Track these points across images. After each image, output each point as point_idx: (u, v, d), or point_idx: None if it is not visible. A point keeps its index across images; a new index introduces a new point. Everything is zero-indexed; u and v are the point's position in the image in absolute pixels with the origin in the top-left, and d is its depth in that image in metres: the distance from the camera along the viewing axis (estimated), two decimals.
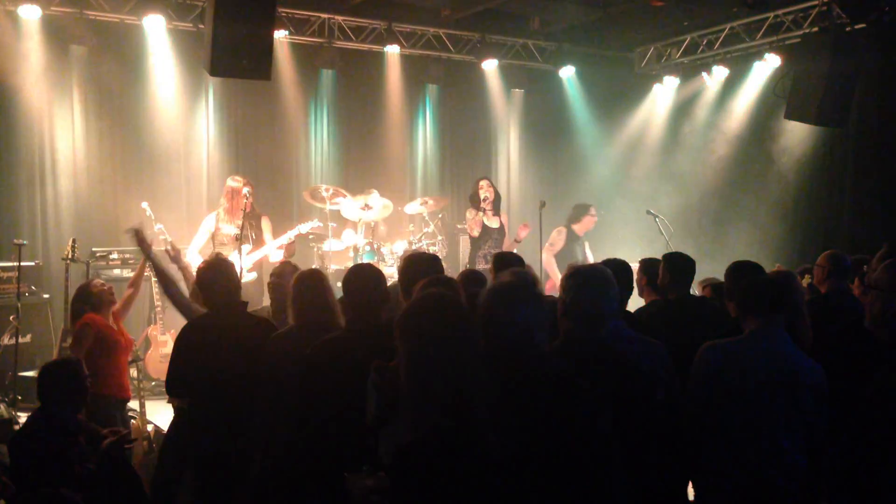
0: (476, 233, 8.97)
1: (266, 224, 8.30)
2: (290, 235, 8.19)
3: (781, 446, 3.55)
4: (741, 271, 4.59)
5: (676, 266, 5.14)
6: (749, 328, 3.72)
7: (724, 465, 3.62)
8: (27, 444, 4.21)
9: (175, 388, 4.68)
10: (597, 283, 3.36)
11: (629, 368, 3.28)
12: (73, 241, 7.50)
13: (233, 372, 4.44)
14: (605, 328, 3.34)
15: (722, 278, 5.00)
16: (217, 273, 4.71)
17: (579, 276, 3.40)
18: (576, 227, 9.22)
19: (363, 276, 4.20)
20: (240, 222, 7.88)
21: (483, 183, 9.11)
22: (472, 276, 5.29)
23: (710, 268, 6.10)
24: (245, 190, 7.92)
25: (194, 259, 7.84)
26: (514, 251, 7.45)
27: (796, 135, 10.04)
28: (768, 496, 3.56)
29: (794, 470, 3.57)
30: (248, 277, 7.88)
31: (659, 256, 5.32)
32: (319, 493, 4.03)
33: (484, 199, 8.98)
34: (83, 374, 4.40)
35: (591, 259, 9.30)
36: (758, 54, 10.34)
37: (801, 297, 4.58)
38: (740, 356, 3.65)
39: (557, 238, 9.09)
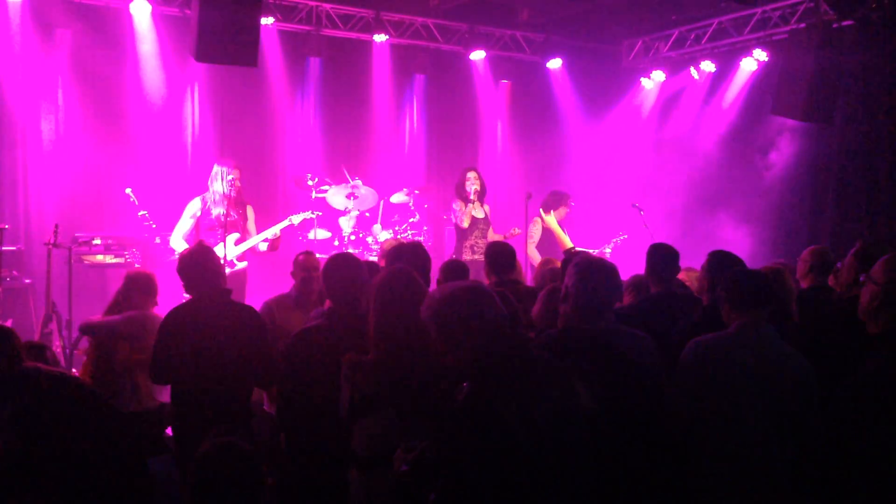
0: (466, 224, 8.92)
1: (250, 212, 8.25)
2: (282, 225, 8.13)
3: (769, 441, 3.56)
4: (723, 263, 4.60)
5: (658, 259, 5.14)
6: (735, 322, 3.71)
7: (711, 460, 3.62)
8: None
9: (159, 374, 4.67)
10: (601, 275, 3.40)
11: (626, 361, 3.30)
12: (56, 226, 7.44)
13: (217, 358, 4.43)
14: (605, 320, 3.38)
15: None
16: (199, 259, 4.69)
17: (583, 266, 3.43)
18: (551, 216, 9.19)
19: (342, 266, 4.19)
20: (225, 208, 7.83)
21: (471, 175, 9.00)
22: (454, 267, 5.30)
23: (695, 263, 6.11)
24: (230, 175, 7.86)
25: (178, 245, 7.79)
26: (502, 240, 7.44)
27: (782, 130, 10.07)
28: (756, 490, 3.56)
29: (781, 464, 3.58)
30: (239, 266, 7.83)
31: (644, 250, 5.30)
32: (305, 485, 4.04)
33: (475, 192, 8.93)
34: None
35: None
36: (745, 49, 10.37)
37: (789, 294, 4.59)
38: (727, 352, 3.63)
39: (534, 230, 9.18)
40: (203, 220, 7.93)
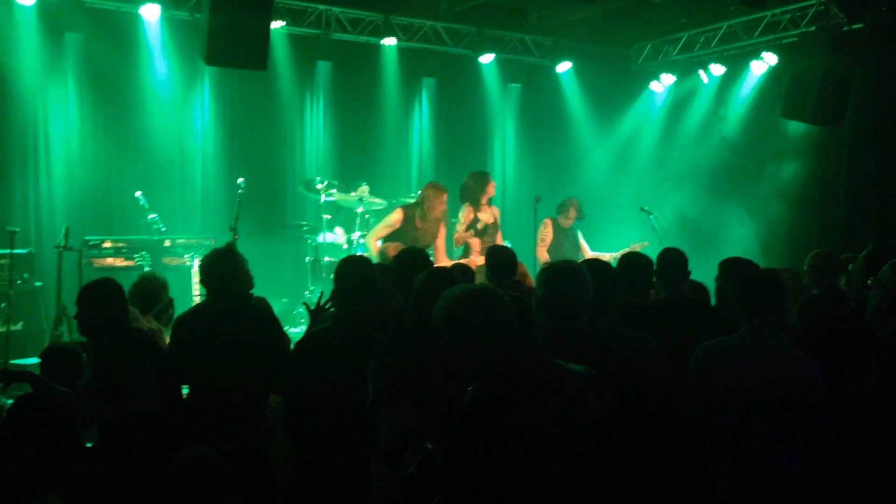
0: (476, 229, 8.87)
1: (444, 228, 8.29)
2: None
3: (778, 445, 3.54)
4: (735, 268, 4.54)
5: (668, 263, 5.09)
6: (744, 326, 3.69)
7: (720, 464, 3.60)
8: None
9: (172, 376, 4.66)
10: (566, 277, 3.31)
11: (613, 362, 3.26)
12: (67, 229, 7.47)
13: (230, 359, 4.42)
14: (581, 321, 3.30)
15: (714, 276, 4.98)
16: (215, 262, 4.68)
17: (549, 272, 3.38)
18: (560, 219, 9.33)
19: (351, 269, 4.21)
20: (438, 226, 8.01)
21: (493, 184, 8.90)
22: (462, 270, 5.30)
23: (702, 265, 6.09)
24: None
25: (369, 245, 7.88)
26: (507, 245, 7.43)
27: (792, 133, 10.04)
28: (765, 494, 3.55)
29: (790, 468, 3.56)
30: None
31: (653, 254, 5.25)
32: (317, 483, 4.04)
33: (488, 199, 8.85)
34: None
35: (586, 247, 9.37)
36: (755, 53, 10.33)
37: (803, 296, 4.56)
38: (737, 355, 3.61)
39: (545, 232, 9.22)
40: (404, 231, 7.95)
